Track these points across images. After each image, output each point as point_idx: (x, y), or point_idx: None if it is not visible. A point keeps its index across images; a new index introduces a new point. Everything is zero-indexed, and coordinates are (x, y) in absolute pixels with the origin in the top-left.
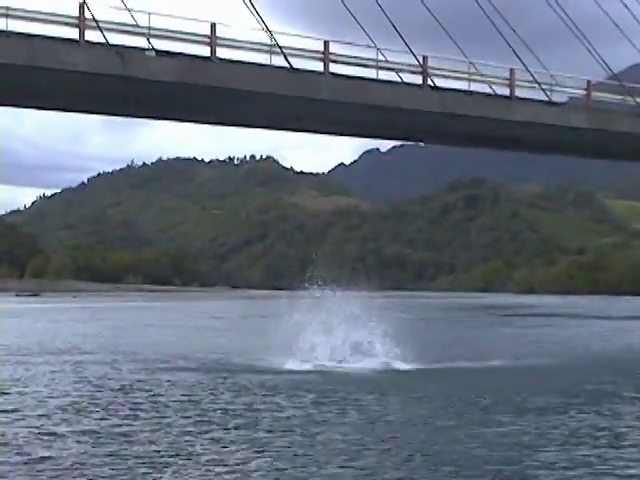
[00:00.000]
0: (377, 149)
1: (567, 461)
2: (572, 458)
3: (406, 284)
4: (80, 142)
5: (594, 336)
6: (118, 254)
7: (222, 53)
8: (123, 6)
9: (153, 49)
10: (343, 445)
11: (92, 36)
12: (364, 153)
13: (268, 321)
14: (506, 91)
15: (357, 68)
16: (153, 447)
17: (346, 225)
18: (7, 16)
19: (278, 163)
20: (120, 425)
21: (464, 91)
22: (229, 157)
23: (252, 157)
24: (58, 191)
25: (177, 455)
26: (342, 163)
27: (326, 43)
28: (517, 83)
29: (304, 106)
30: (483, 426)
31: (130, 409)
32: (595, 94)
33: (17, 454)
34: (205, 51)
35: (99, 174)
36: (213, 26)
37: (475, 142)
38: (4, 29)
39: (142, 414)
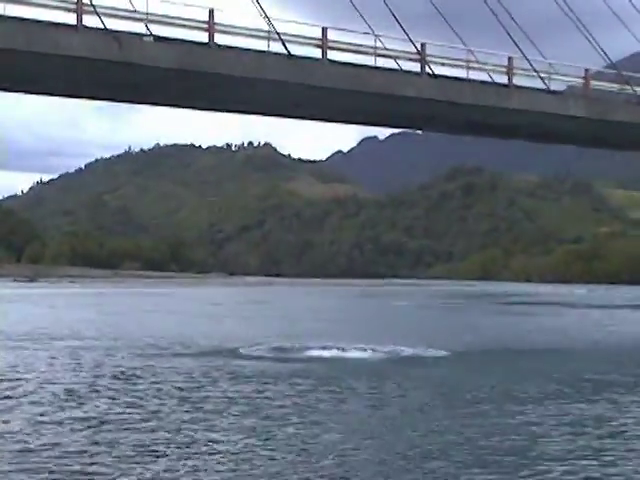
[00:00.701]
0: (375, 137)
1: (570, 449)
2: (574, 445)
3: (403, 272)
4: (78, 128)
5: (592, 325)
6: (115, 240)
7: (220, 39)
8: None
9: (151, 35)
10: (347, 431)
11: (90, 21)
12: (362, 140)
13: (265, 308)
14: (504, 79)
15: (355, 55)
16: (152, 434)
17: (344, 212)
18: (4, 0)
19: (276, 150)
20: (118, 412)
21: (462, 79)
22: (227, 144)
23: (250, 144)
24: (55, 177)
25: (176, 442)
26: (340, 150)
27: (324, 30)
28: (515, 71)
29: (302, 93)
30: (487, 414)
31: (127, 396)
32: (593, 83)
33: (14, 442)
34: (203, 37)
35: (96, 160)
36: (211, 12)
37: (473, 130)
38: (1, 13)
39: (139, 401)
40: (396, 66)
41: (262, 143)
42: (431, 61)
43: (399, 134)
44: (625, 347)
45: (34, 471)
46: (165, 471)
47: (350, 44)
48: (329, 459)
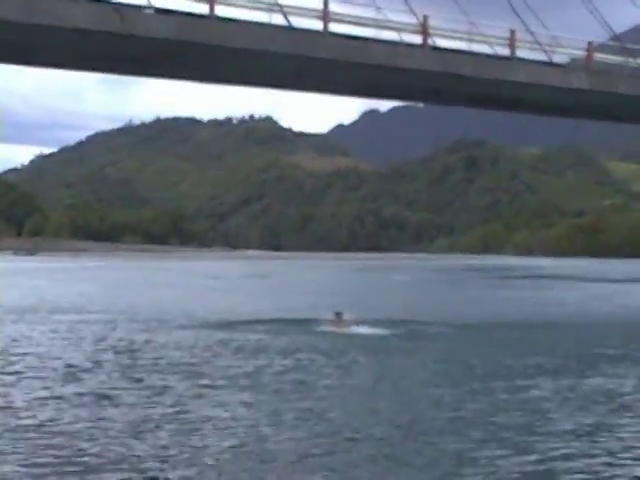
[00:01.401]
0: (377, 109)
1: (580, 425)
2: (584, 421)
3: (404, 245)
4: (78, 100)
5: (596, 298)
6: (116, 213)
7: (221, 11)
8: None
9: (152, 6)
10: (351, 407)
11: None
12: (364, 113)
13: (266, 282)
14: (507, 52)
15: (357, 27)
16: (154, 409)
17: (345, 185)
18: None
19: (277, 123)
20: (120, 387)
21: (464, 51)
22: (228, 117)
23: (251, 117)
24: (56, 149)
25: (179, 418)
26: (341, 123)
27: (326, 2)
28: (518, 44)
29: (303, 65)
30: (493, 389)
31: (129, 370)
32: (597, 55)
33: (15, 417)
34: (204, 9)
35: (97, 133)
36: None
37: (475, 103)
38: None
39: (141, 375)
40: (398, 38)
41: (263, 116)
42: (433, 33)
43: (401, 107)
44: (632, 320)
45: (34, 448)
46: (166, 447)
47: (352, 16)
48: (334, 436)
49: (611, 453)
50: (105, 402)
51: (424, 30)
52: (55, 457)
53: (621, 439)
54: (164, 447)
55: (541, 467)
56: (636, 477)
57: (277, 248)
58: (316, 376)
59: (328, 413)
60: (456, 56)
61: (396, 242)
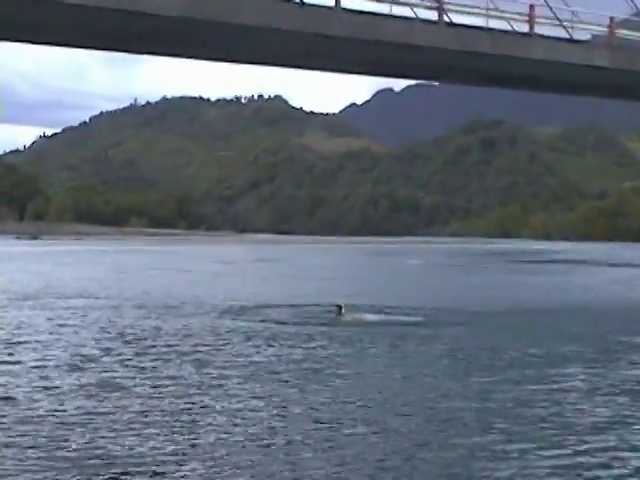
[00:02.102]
0: (390, 88)
1: (604, 417)
2: (608, 413)
3: (418, 229)
4: (82, 79)
5: (618, 284)
6: (121, 196)
7: None
8: None
9: None
10: (366, 398)
11: None
12: (377, 93)
13: (276, 267)
14: (525, 28)
15: (370, 3)
16: (164, 400)
17: (357, 167)
18: None
19: (287, 103)
20: (128, 377)
21: (481, 28)
22: (236, 96)
23: (260, 96)
24: (59, 130)
25: (188, 408)
26: (354, 103)
27: None
28: (537, 20)
29: (314, 42)
30: (512, 379)
31: (138, 358)
32: (619, 31)
33: (18, 409)
34: None
35: (101, 113)
36: None
37: (493, 81)
38: None
39: (151, 364)
40: (413, 14)
41: (272, 95)
42: (449, 9)
43: (415, 86)
44: None
45: (39, 441)
46: (176, 440)
47: None
48: (348, 428)
49: None
50: (112, 392)
51: (439, 6)
52: (61, 450)
53: None
54: (174, 440)
55: (575, 461)
56: None
57: (287, 232)
58: (330, 366)
59: (346, 405)
60: (473, 33)
61: (410, 225)
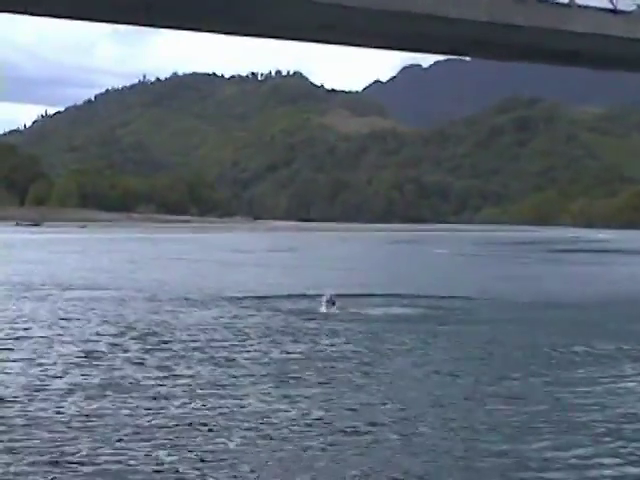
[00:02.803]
0: (418, 64)
1: None
2: None
3: (447, 216)
4: (87, 54)
5: None
6: (129, 179)
7: None
8: None
9: None
10: (396, 395)
11: None
12: (403, 69)
13: (296, 257)
14: None
15: None
16: (177, 400)
17: (382, 149)
18: None
19: (307, 79)
20: (138, 374)
21: None
22: (252, 72)
23: (278, 72)
24: (62, 109)
25: (202, 408)
26: (378, 80)
27: None
28: None
29: (336, 15)
30: (551, 376)
31: (149, 354)
32: None
33: (18, 408)
34: None
35: (107, 90)
36: None
37: (528, 56)
38: None
39: (163, 361)
40: None
41: (291, 72)
42: None
43: (445, 61)
44: None
45: (44, 443)
46: (195, 444)
47: None
48: (380, 428)
49: None
50: (119, 392)
51: None
52: (65, 455)
53: None
54: (192, 444)
55: (633, 472)
56: None
57: (306, 219)
58: (355, 360)
59: (370, 404)
60: (506, 3)
61: (438, 212)
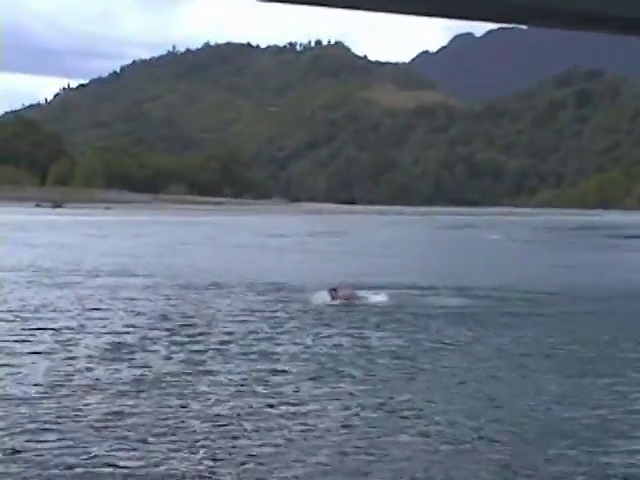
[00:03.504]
0: (470, 34)
1: None
2: None
3: (501, 198)
4: (112, 23)
5: None
6: (158, 158)
7: None
8: None
9: None
10: (449, 395)
11: None
12: (454, 38)
13: (339, 242)
14: None
15: None
16: (216, 398)
17: (430, 126)
18: None
19: (349, 50)
20: (174, 371)
21: None
22: (290, 43)
23: (318, 43)
24: (86, 82)
25: (236, 410)
26: (427, 51)
27: None
28: None
29: None
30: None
31: (184, 348)
32: None
33: (40, 405)
34: None
35: (135, 62)
36: None
37: (590, 25)
38: None
39: (200, 355)
40: None
41: (332, 42)
42: None
43: (499, 30)
44: None
45: (59, 444)
46: (221, 447)
47: None
48: (431, 428)
49: None
50: (150, 389)
51: None
52: (87, 458)
53: None
54: (223, 447)
55: None
56: None
57: (348, 201)
58: (404, 356)
59: (418, 401)
60: None
61: (491, 194)
